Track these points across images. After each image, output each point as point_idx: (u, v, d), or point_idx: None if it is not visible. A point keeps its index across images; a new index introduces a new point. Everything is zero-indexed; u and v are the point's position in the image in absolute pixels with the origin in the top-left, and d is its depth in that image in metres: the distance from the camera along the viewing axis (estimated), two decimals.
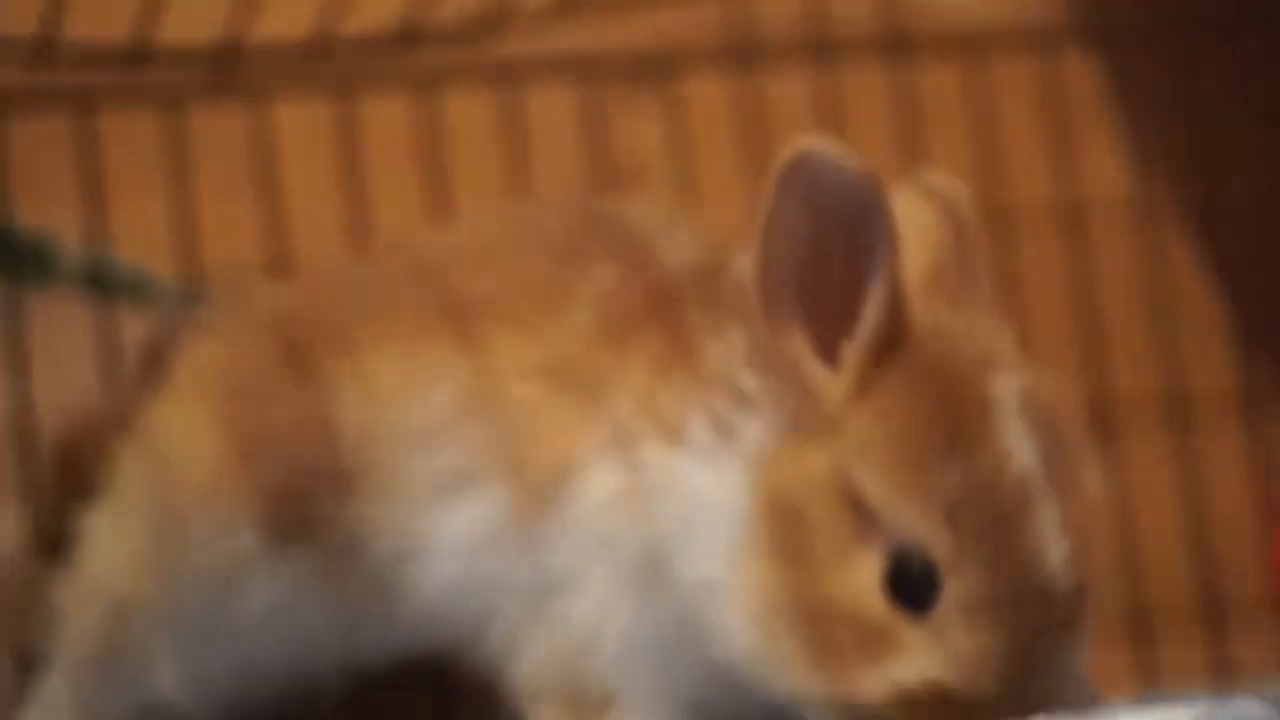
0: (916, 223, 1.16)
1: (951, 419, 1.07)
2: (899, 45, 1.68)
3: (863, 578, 1.05)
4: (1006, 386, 1.09)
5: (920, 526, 1.04)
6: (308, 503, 1.15)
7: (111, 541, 1.18)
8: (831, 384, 1.08)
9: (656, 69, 1.63)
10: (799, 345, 1.09)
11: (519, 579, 1.13)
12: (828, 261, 1.09)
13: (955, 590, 1.04)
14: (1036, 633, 1.03)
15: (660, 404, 1.13)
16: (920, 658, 1.04)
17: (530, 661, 1.14)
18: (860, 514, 1.05)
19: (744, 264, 1.11)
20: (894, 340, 1.08)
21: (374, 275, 1.24)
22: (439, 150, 1.54)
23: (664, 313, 1.15)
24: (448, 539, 1.13)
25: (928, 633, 1.04)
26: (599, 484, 1.13)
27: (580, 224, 1.23)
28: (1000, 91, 1.68)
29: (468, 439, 1.14)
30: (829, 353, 1.09)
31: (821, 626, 1.05)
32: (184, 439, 1.18)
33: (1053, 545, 1.05)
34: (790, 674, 1.06)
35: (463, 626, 1.15)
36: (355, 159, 1.53)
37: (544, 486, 1.12)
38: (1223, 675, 1.66)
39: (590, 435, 1.13)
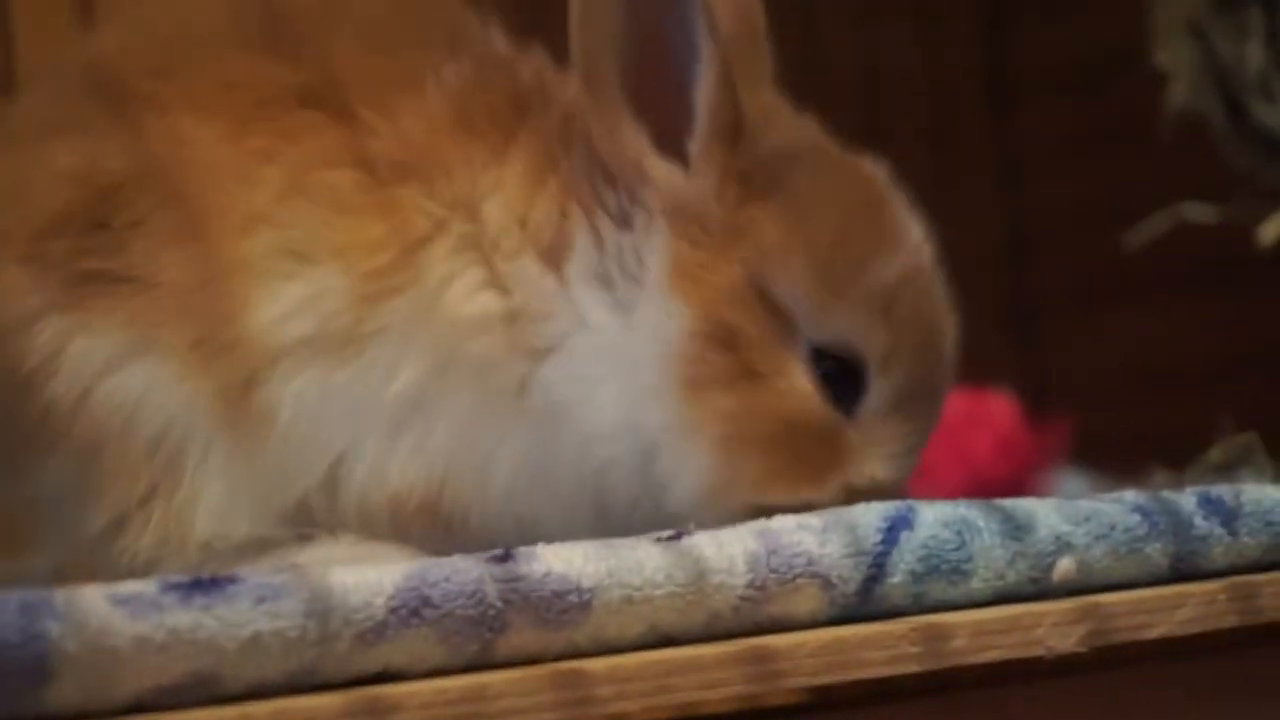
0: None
1: (861, 212, 1.12)
2: None
3: (799, 383, 1.09)
4: (878, 169, 1.14)
5: (851, 326, 1.09)
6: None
7: None
8: (688, 183, 1.09)
9: None
10: (638, 144, 1.11)
11: (366, 386, 1.10)
12: (651, 51, 1.09)
13: (883, 387, 1.11)
14: (936, 411, 1.14)
15: (536, 218, 1.11)
16: (861, 460, 1.11)
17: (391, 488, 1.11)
18: (779, 318, 1.09)
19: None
20: (735, 128, 1.10)
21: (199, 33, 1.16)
22: None
23: (525, 120, 1.13)
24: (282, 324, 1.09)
25: (862, 431, 1.11)
26: (465, 298, 1.10)
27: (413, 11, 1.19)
28: None
29: (292, 221, 1.10)
30: (674, 150, 1.10)
31: (780, 441, 1.09)
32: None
33: (949, 324, 1.14)
34: (743, 491, 1.08)
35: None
36: None
37: (380, 274, 1.09)
38: None
39: (417, 233, 1.10)
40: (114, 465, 1.09)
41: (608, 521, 1.10)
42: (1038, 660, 0.97)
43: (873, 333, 1.09)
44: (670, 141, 1.11)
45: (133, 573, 1.08)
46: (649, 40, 1.09)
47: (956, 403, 1.85)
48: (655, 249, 1.11)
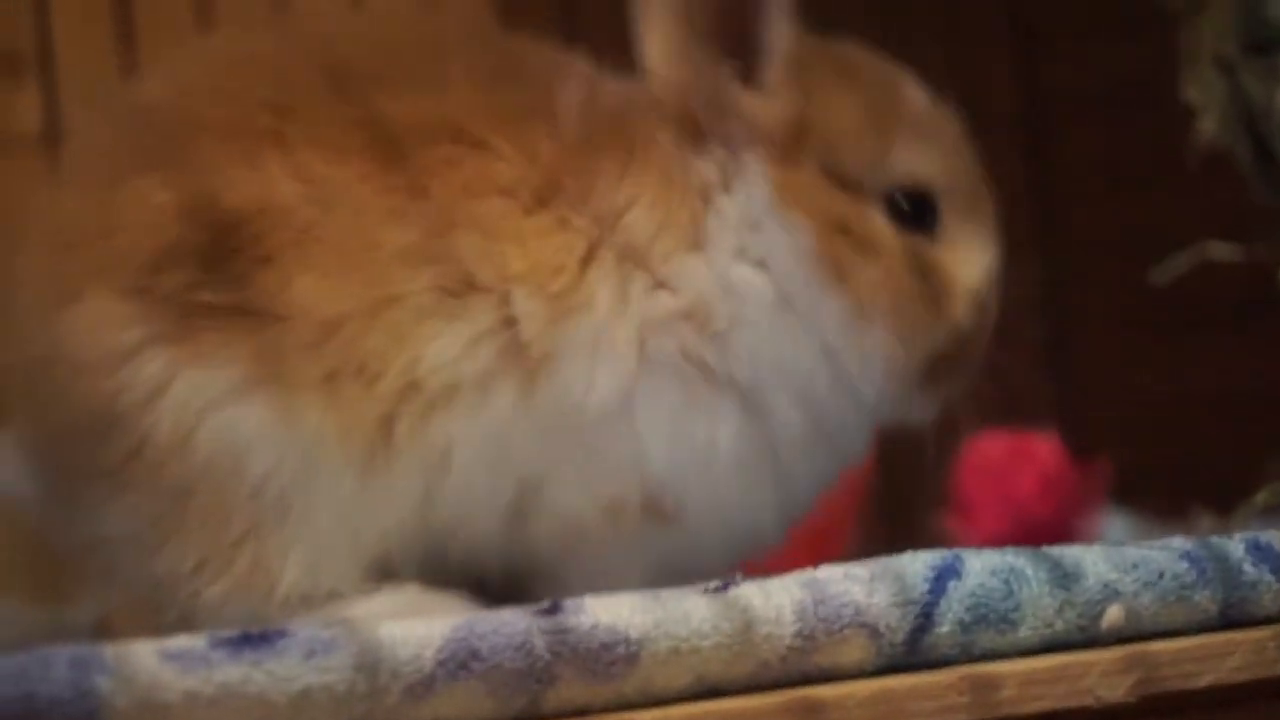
0: None
1: (876, 72, 1.23)
2: None
3: (890, 236, 1.18)
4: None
5: (907, 159, 1.20)
6: None
7: None
8: (765, 106, 1.18)
9: None
10: (729, 84, 1.18)
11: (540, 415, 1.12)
12: None
13: (952, 198, 1.21)
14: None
15: (676, 218, 1.16)
16: (962, 266, 1.21)
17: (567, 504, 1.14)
18: (856, 187, 1.18)
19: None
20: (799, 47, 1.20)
21: (281, 74, 1.15)
22: None
23: (636, 129, 1.18)
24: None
25: (944, 245, 1.21)
26: (644, 302, 1.14)
27: (500, 47, 1.21)
28: None
29: (453, 255, 1.11)
30: (753, 80, 1.19)
31: (907, 286, 1.18)
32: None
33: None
34: (912, 348, 1.19)
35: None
36: None
37: (564, 294, 1.12)
38: None
39: (581, 251, 1.13)
40: (210, 505, 1.07)
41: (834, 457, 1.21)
42: (1087, 709, 0.97)
43: (925, 155, 1.20)
44: (749, 73, 1.19)
45: (194, 620, 1.08)
46: None
47: (999, 443, 1.85)
48: (756, 189, 1.17)
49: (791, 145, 1.18)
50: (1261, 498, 1.38)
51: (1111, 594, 1.02)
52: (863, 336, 1.17)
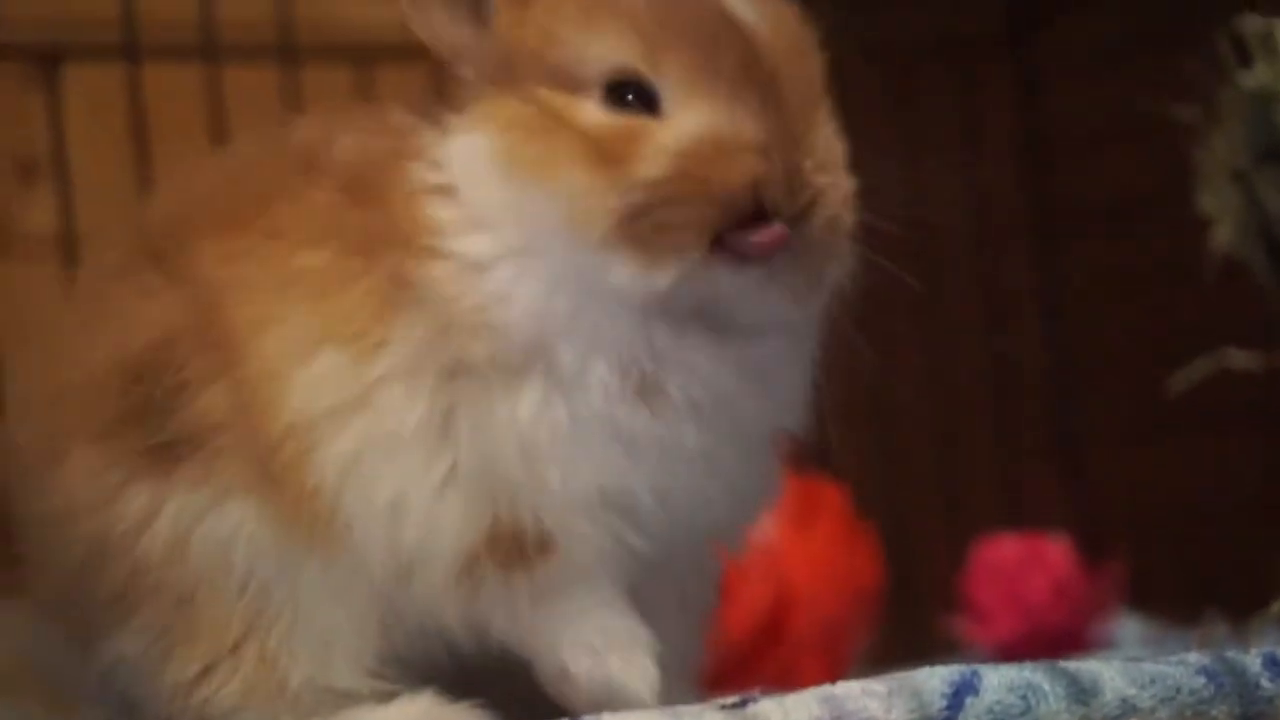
0: None
1: None
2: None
3: (586, 113, 1.14)
4: None
5: (615, 43, 1.15)
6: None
7: None
8: (481, 40, 1.18)
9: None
10: (459, 27, 1.19)
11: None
12: None
13: (671, 81, 1.13)
14: (750, 85, 1.13)
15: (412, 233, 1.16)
16: (665, 136, 1.12)
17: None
18: (571, 94, 1.15)
19: None
20: None
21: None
22: None
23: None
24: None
25: (665, 120, 1.13)
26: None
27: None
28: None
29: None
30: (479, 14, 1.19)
31: (579, 156, 1.13)
32: None
33: (744, 13, 1.15)
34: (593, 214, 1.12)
35: None
36: None
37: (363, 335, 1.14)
38: None
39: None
40: (208, 610, 1.13)
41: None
42: None
43: (635, 45, 1.14)
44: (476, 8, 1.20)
45: None
46: None
47: (1010, 547, 1.85)
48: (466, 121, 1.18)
49: (503, 69, 1.18)
50: (1277, 607, 1.37)
51: (1129, 709, 1.02)
52: (545, 204, 1.14)
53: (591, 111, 1.14)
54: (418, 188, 1.16)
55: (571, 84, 1.15)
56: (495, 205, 1.14)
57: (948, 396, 2.22)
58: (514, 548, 1.13)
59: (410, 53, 1.93)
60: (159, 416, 1.14)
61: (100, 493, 1.15)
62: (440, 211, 1.15)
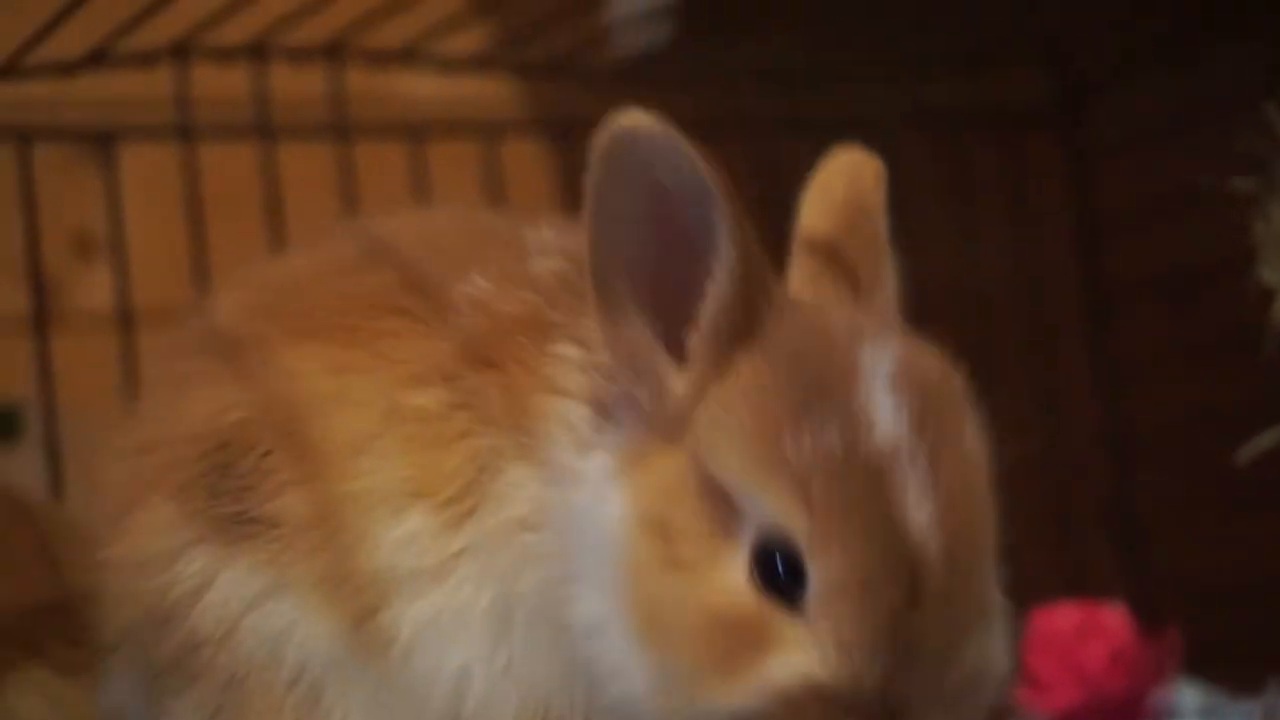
0: (828, 194, 1.14)
1: (803, 390, 1.01)
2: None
3: (731, 574, 1.01)
4: (875, 355, 1.04)
5: (777, 504, 0.99)
6: None
7: None
8: (678, 378, 1.05)
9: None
10: (643, 338, 1.06)
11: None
12: (665, 245, 1.04)
13: (820, 573, 0.98)
14: (911, 608, 0.97)
15: (523, 420, 1.09)
16: (797, 652, 0.98)
17: None
18: (723, 506, 1.01)
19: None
20: (749, 323, 1.04)
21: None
22: None
23: (526, 324, 1.12)
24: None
25: (803, 624, 0.99)
26: (499, 508, 1.10)
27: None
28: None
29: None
30: (677, 344, 1.06)
31: (703, 635, 1.00)
32: None
33: (918, 513, 0.99)
34: (678, 690, 1.01)
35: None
36: None
37: (456, 501, 1.10)
38: None
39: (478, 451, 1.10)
40: (258, 698, 1.11)
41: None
42: None
43: (793, 511, 1.00)
44: (674, 337, 1.07)
45: None
46: (665, 238, 1.05)
47: (1068, 616, 1.83)
48: (616, 433, 1.08)
49: (677, 426, 1.06)
50: None
51: None
52: (620, 643, 1.05)
53: (732, 569, 1.02)
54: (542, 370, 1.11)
55: (721, 507, 1.03)
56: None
57: (1004, 470, 2.22)
58: None
59: (463, 128, 1.97)
60: (239, 489, 1.13)
61: (167, 548, 1.13)
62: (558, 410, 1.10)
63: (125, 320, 1.81)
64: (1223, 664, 1.78)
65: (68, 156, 1.93)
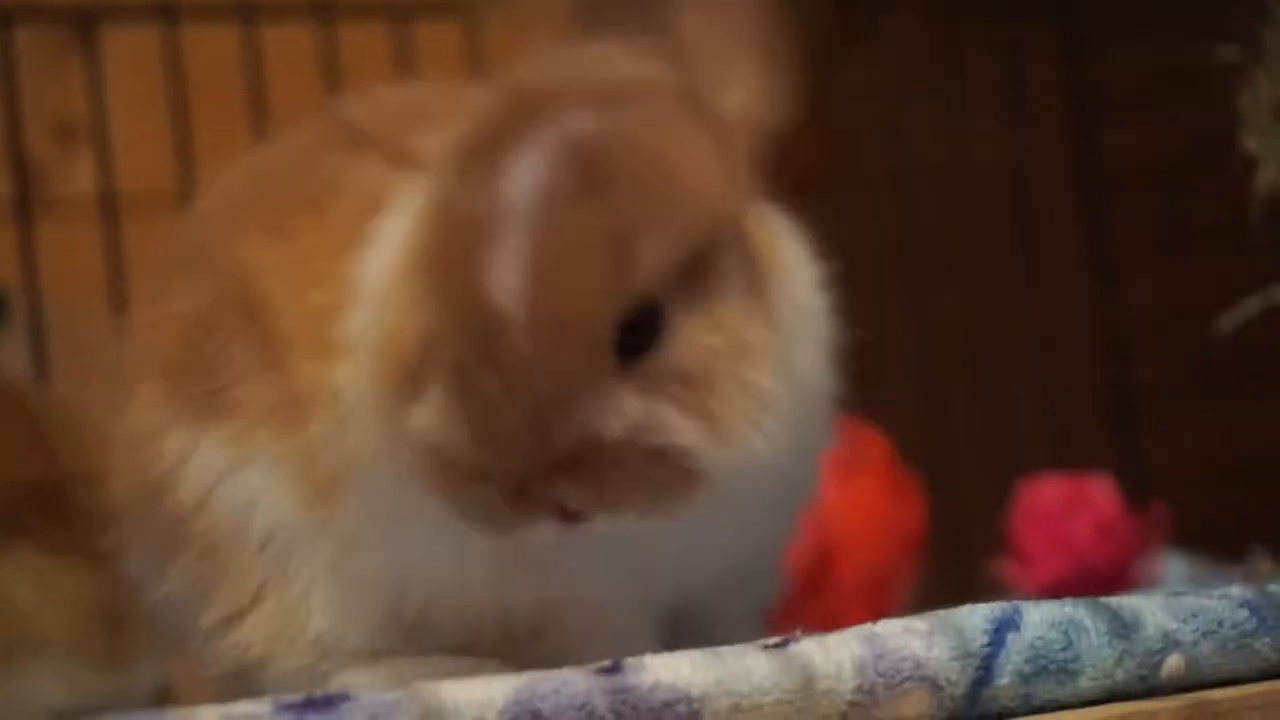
0: None
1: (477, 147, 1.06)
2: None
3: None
4: (547, 119, 1.03)
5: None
6: None
7: None
8: None
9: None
10: None
11: None
12: None
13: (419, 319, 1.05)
14: (483, 366, 0.99)
15: None
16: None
17: None
18: None
19: None
20: None
21: None
22: None
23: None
24: None
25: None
26: None
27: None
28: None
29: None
30: None
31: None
32: None
33: (502, 273, 0.99)
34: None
35: None
36: None
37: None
38: None
39: None
40: (229, 562, 1.15)
41: None
42: None
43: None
44: None
45: (245, 669, 1.15)
46: None
47: (1055, 489, 1.85)
48: None
49: None
50: None
51: (1171, 643, 1.02)
52: None
53: None
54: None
55: None
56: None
57: (993, 346, 2.22)
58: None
59: (447, 9, 1.96)
60: (212, 367, 1.16)
61: (155, 424, 1.18)
62: None
63: (109, 206, 1.81)
64: (1211, 539, 1.79)
65: (50, 41, 1.92)
